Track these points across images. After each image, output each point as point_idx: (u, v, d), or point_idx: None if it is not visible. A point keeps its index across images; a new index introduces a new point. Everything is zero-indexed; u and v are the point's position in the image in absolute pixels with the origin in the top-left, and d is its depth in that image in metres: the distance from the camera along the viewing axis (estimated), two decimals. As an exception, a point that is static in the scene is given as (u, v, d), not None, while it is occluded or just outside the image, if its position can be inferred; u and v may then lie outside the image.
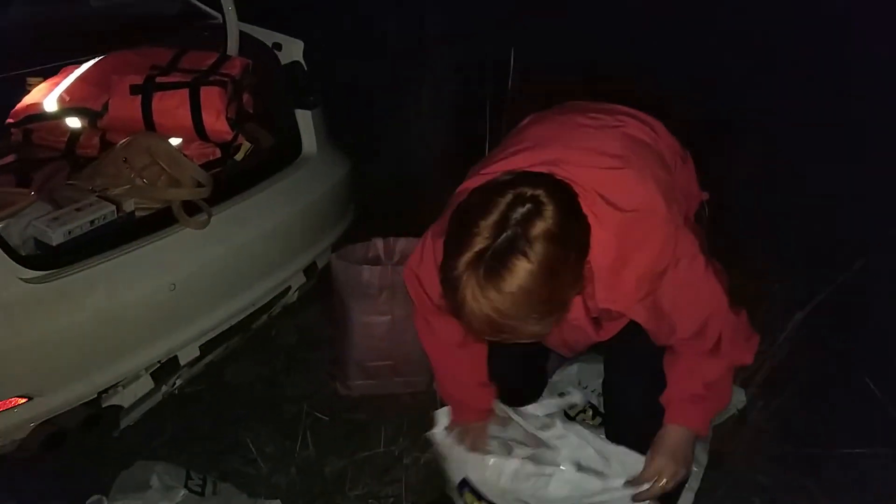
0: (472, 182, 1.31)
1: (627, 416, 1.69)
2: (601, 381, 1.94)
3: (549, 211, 1.09)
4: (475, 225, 1.09)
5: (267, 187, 2.31)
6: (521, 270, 1.06)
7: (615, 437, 1.83)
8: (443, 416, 1.81)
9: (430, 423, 2.20)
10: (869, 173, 2.67)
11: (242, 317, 2.21)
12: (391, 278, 2.28)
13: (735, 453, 2.11)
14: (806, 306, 2.26)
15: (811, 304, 2.25)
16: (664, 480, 1.49)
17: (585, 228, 1.17)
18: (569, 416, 2.19)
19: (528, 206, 1.08)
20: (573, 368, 2.24)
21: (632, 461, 1.59)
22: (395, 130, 3.26)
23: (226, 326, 2.16)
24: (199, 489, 1.94)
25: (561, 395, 2.26)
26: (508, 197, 1.09)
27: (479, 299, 1.08)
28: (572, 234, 1.13)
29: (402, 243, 2.50)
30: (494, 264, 1.06)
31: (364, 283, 2.29)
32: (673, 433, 1.49)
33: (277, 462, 2.15)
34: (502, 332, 1.14)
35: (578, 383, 2.25)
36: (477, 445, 1.71)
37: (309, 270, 2.48)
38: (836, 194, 2.60)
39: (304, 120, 2.55)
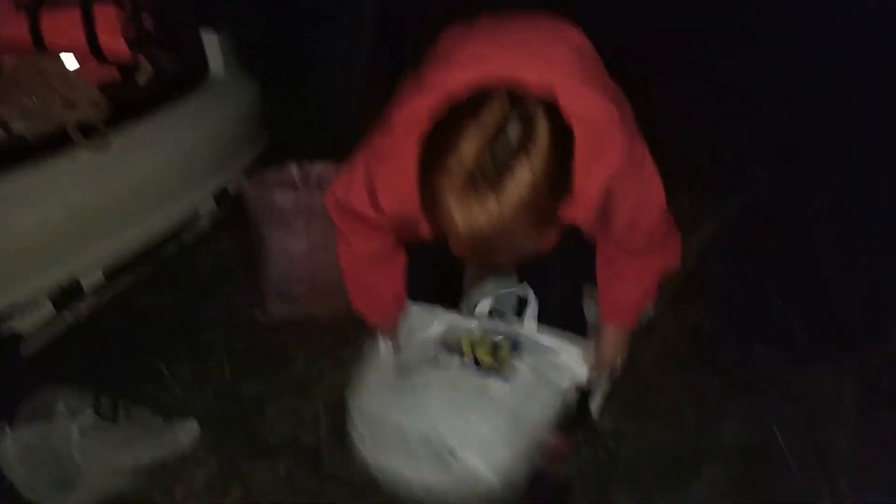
0: (423, 97, 1.19)
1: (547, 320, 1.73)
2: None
3: (542, 117, 0.99)
4: (464, 137, 0.97)
5: (171, 110, 2.23)
6: (524, 180, 0.96)
7: None
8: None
9: (350, 343, 2.23)
10: (778, 90, 2.73)
11: (149, 243, 2.13)
12: (307, 202, 2.24)
13: (644, 360, 2.18)
14: (712, 219, 2.33)
15: (717, 217, 2.32)
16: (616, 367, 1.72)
17: (571, 136, 1.07)
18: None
19: (521, 113, 0.98)
20: (487, 282, 2.25)
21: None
22: (311, 57, 3.17)
23: (131, 252, 2.08)
24: (111, 413, 1.90)
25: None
26: (499, 104, 0.99)
27: (476, 216, 0.97)
28: (565, 140, 1.04)
29: (318, 167, 2.45)
30: (493, 176, 0.96)
31: (278, 209, 2.24)
32: (613, 334, 1.67)
33: (193, 387, 2.11)
34: (496, 252, 1.04)
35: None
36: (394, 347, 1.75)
37: (220, 197, 2.41)
38: (744, 110, 2.66)
39: (211, 43, 2.44)
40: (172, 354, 2.20)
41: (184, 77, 2.39)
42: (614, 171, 1.27)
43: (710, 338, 2.29)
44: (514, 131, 0.97)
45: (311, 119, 2.90)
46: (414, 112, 1.18)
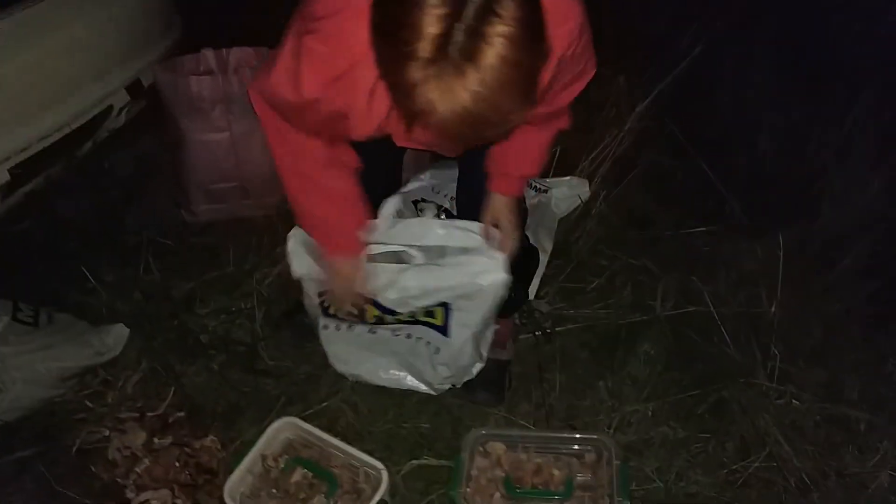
0: None
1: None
2: (454, 184, 1.90)
3: None
4: (422, 10, 0.83)
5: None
6: (500, 38, 0.84)
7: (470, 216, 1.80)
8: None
9: (282, 239, 2.14)
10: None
11: (56, 138, 1.97)
12: (224, 89, 2.09)
13: (579, 242, 2.16)
14: (647, 98, 2.26)
15: (651, 95, 2.24)
16: (514, 237, 1.61)
17: None
18: (420, 218, 2.15)
19: None
20: (426, 175, 2.16)
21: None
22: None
23: (36, 149, 1.92)
24: (31, 320, 1.80)
25: (415, 203, 2.22)
26: None
27: (458, 95, 0.86)
28: None
29: (236, 53, 2.27)
30: (466, 45, 0.83)
31: (194, 97, 2.08)
32: (502, 201, 1.59)
33: (119, 289, 2.01)
34: (484, 129, 0.93)
35: (432, 189, 2.20)
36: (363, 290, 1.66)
37: (133, 89, 2.23)
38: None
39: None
40: (96, 259, 2.08)
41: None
42: (571, 39, 1.18)
43: (646, 218, 2.27)
44: None
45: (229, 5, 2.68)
46: None
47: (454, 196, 2.07)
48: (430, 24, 0.83)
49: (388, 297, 1.70)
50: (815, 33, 2.40)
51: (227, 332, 1.92)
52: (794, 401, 1.73)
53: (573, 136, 1.97)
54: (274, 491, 1.53)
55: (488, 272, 1.61)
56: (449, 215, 2.14)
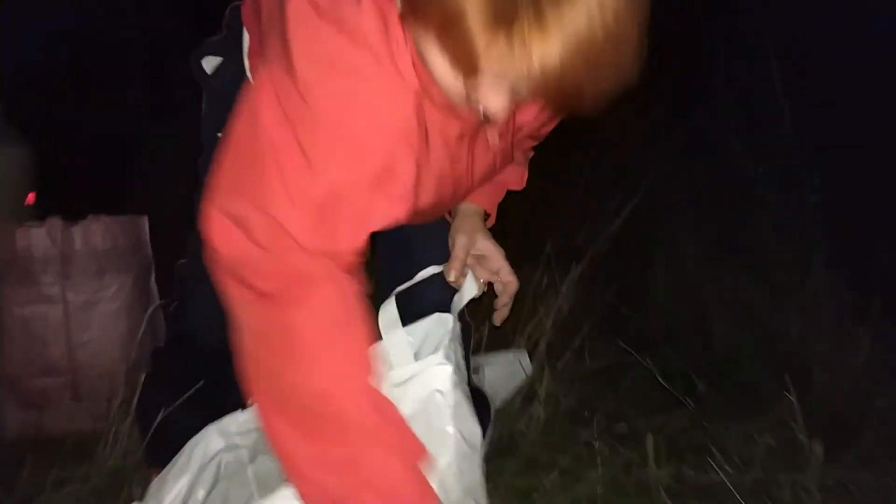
0: None
1: None
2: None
3: None
4: None
5: None
6: None
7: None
8: None
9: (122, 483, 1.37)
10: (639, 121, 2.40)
11: None
12: (61, 245, 1.54)
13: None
14: (580, 260, 1.89)
15: (585, 260, 1.88)
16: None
17: None
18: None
19: None
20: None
21: None
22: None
23: None
24: None
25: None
26: None
27: (573, 17, 0.66)
28: None
29: (88, 220, 1.70)
30: None
31: (21, 254, 1.51)
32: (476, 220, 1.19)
33: None
34: (590, 84, 0.71)
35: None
36: None
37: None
38: (603, 139, 2.32)
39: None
40: None
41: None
42: None
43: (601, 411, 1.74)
44: None
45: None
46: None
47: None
48: None
49: None
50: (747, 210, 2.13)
51: None
52: None
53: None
54: None
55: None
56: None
